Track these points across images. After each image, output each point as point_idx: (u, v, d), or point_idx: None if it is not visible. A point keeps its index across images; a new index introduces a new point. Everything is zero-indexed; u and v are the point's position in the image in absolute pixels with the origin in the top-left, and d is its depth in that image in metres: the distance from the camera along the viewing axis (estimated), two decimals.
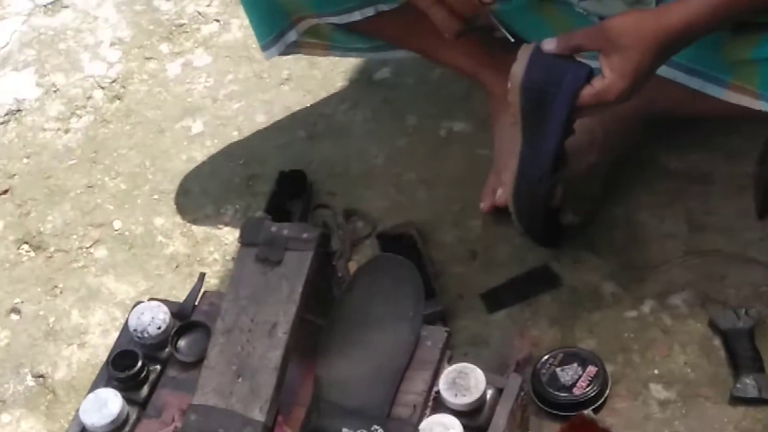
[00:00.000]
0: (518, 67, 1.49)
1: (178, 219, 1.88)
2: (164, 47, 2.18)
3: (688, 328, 1.61)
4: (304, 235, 1.29)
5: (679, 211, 1.76)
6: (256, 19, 1.80)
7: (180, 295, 1.59)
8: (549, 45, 1.47)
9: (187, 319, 1.46)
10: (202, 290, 1.52)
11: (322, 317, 1.40)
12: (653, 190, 1.79)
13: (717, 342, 1.58)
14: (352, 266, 1.72)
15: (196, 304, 1.49)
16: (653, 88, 1.69)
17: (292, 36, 1.81)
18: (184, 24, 2.21)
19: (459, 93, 2.00)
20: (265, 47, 1.82)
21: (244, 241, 1.33)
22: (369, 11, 1.75)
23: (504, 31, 1.58)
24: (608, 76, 1.43)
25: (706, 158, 1.82)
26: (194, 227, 1.85)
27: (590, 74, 1.47)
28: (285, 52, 1.84)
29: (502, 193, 1.69)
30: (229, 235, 1.82)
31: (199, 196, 1.90)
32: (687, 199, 1.77)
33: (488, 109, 1.91)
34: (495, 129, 1.81)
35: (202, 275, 1.52)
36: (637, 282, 1.67)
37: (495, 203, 1.72)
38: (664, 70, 1.61)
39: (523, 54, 1.49)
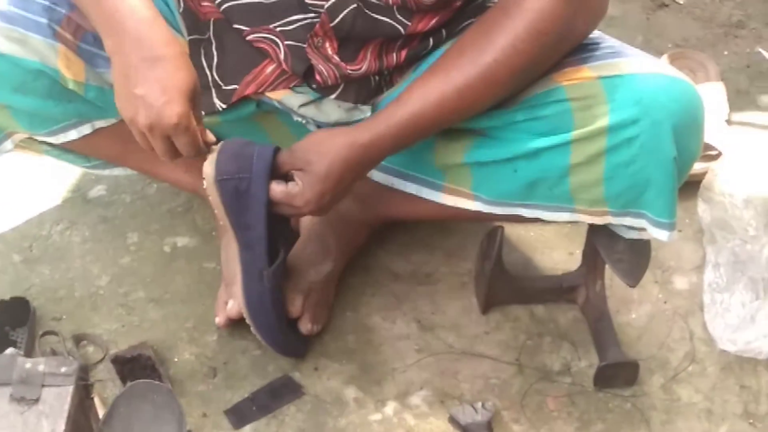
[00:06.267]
0: (208, 165, 1.52)
1: None
2: None
3: (430, 426, 1.65)
4: (63, 369, 1.23)
5: (408, 311, 1.82)
6: None
7: None
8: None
9: None
10: None
11: None
12: (381, 293, 1.85)
13: None
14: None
15: None
16: (373, 195, 1.77)
17: (8, 146, 1.75)
18: None
19: (179, 207, 1.99)
20: None
21: None
22: (86, 129, 1.71)
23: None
24: (298, 184, 1.50)
25: (428, 259, 1.91)
26: None
27: (276, 150, 1.52)
28: None
29: (234, 304, 1.69)
30: None
31: None
32: (414, 299, 1.84)
33: (212, 223, 1.92)
34: (222, 241, 1.81)
35: None
36: (376, 384, 1.71)
37: (229, 316, 1.71)
38: (380, 177, 1.68)
39: (212, 154, 1.52)
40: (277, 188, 1.51)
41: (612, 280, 1.78)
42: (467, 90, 1.46)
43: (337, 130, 1.54)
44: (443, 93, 1.46)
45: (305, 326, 1.72)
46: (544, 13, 1.42)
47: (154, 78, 1.37)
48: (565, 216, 1.59)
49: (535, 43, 1.43)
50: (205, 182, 1.53)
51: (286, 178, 1.52)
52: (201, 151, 1.47)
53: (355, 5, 1.49)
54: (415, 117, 1.47)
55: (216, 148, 1.53)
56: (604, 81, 1.46)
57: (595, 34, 1.52)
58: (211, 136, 1.49)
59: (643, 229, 1.56)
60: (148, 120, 1.39)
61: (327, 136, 1.51)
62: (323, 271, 1.76)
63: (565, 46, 1.48)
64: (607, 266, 1.70)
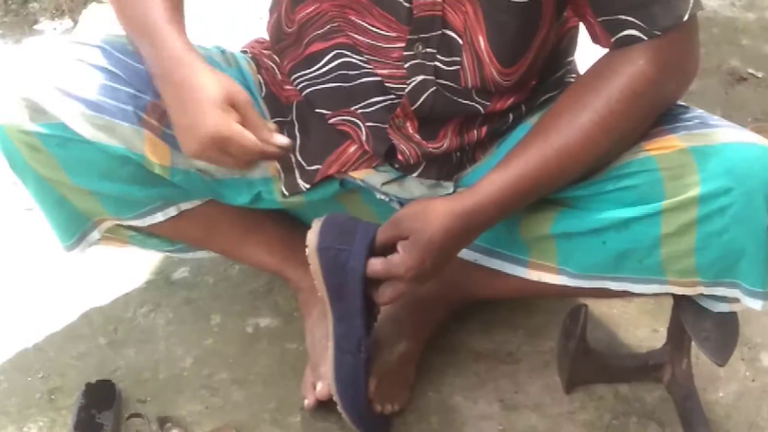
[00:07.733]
0: (312, 233, 1.55)
1: None
2: None
3: None
4: None
5: (490, 391, 1.80)
6: (57, 223, 1.75)
7: None
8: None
9: None
10: None
11: None
12: (463, 372, 1.83)
13: None
14: None
15: None
16: (455, 272, 1.76)
17: (95, 236, 1.78)
18: None
19: (260, 288, 2.00)
20: (68, 248, 1.78)
21: None
22: (171, 211, 1.74)
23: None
24: (399, 252, 1.49)
25: (510, 337, 1.89)
26: None
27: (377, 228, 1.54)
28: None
29: (323, 386, 1.68)
30: None
31: None
32: (497, 378, 1.82)
33: (294, 304, 1.92)
34: (306, 323, 1.82)
35: None
36: None
37: (318, 398, 1.70)
38: (464, 253, 1.67)
39: (317, 222, 1.56)
40: (377, 261, 1.51)
41: (697, 357, 1.75)
42: (566, 151, 1.46)
43: (439, 199, 1.54)
44: (543, 155, 1.47)
45: (375, 407, 1.71)
46: (638, 75, 1.43)
47: (187, 105, 1.40)
48: (654, 288, 1.57)
49: (629, 104, 1.44)
50: (307, 249, 1.55)
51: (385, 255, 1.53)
52: (264, 156, 1.43)
53: (434, 88, 1.51)
54: (517, 182, 1.47)
55: (321, 218, 1.56)
56: (694, 150, 1.46)
57: (681, 104, 1.52)
58: (281, 140, 1.44)
59: (734, 301, 1.54)
60: (194, 145, 1.40)
61: (429, 205, 1.51)
62: (397, 351, 1.75)
63: (659, 107, 1.49)
64: (692, 343, 1.67)
